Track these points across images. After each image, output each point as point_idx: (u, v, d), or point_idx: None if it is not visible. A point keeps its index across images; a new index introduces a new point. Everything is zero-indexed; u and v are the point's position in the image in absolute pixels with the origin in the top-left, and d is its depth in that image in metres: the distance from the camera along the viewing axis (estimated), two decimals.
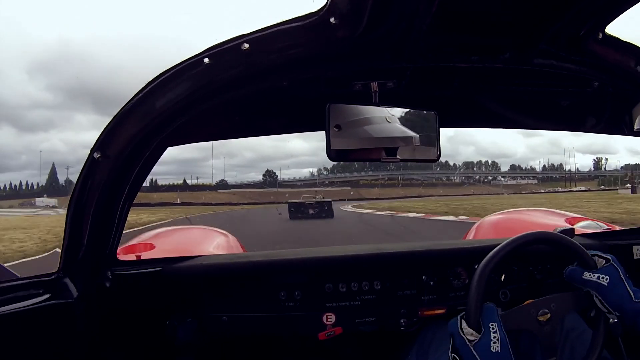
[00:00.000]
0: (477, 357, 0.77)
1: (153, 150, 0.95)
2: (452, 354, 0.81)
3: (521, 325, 0.89)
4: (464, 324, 0.82)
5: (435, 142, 1.01)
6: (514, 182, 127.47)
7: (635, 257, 1.39)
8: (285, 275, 1.27)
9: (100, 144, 0.90)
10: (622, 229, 1.72)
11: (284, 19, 0.78)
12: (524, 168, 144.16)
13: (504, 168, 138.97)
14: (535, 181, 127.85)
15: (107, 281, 1.11)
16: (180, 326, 1.21)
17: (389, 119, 0.96)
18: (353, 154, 0.96)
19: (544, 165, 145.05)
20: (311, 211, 23.69)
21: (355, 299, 1.27)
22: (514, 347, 1.01)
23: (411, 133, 0.98)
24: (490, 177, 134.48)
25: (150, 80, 0.85)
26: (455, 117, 1.23)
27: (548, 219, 2.59)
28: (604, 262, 0.88)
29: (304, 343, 1.31)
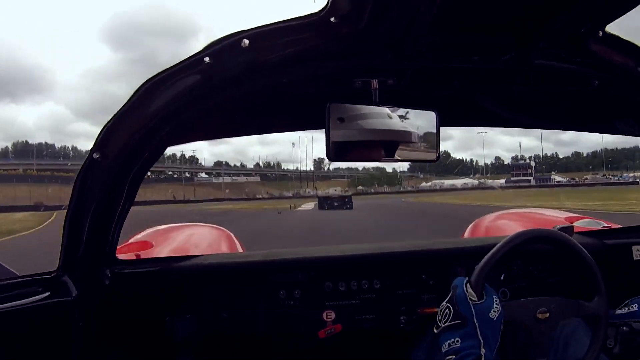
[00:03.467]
0: (474, 315, 0.79)
1: (152, 149, 0.95)
2: (447, 304, 0.82)
3: (518, 317, 0.89)
4: (468, 286, 0.84)
5: (435, 141, 1.02)
6: (237, 179, 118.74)
7: (634, 258, 1.38)
8: (285, 274, 1.28)
9: (100, 144, 0.90)
10: (621, 227, 1.71)
11: (284, 19, 0.78)
12: (236, 165, 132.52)
13: (208, 164, 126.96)
14: (258, 178, 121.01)
15: (106, 279, 1.12)
16: (179, 323, 1.22)
17: (390, 115, 0.98)
18: (352, 153, 0.96)
19: (257, 163, 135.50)
20: (335, 203, 31.60)
21: (354, 298, 1.28)
22: (512, 340, 1.02)
23: (411, 129, 0.99)
24: (206, 174, 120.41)
25: (148, 78, 0.84)
26: (455, 117, 1.23)
27: (546, 217, 2.59)
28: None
29: (304, 341, 1.32)
